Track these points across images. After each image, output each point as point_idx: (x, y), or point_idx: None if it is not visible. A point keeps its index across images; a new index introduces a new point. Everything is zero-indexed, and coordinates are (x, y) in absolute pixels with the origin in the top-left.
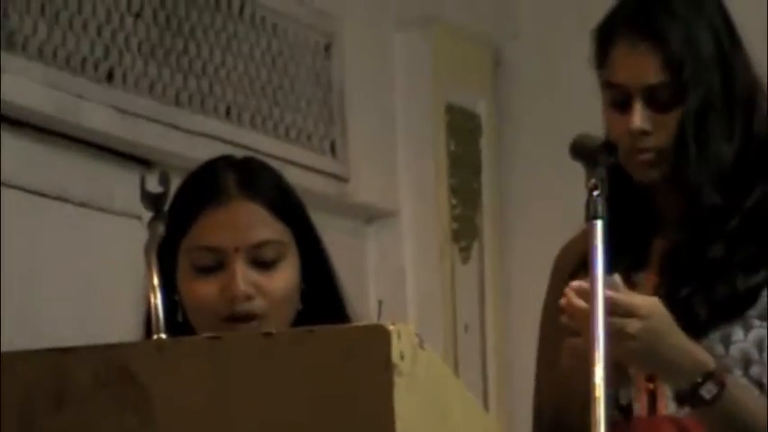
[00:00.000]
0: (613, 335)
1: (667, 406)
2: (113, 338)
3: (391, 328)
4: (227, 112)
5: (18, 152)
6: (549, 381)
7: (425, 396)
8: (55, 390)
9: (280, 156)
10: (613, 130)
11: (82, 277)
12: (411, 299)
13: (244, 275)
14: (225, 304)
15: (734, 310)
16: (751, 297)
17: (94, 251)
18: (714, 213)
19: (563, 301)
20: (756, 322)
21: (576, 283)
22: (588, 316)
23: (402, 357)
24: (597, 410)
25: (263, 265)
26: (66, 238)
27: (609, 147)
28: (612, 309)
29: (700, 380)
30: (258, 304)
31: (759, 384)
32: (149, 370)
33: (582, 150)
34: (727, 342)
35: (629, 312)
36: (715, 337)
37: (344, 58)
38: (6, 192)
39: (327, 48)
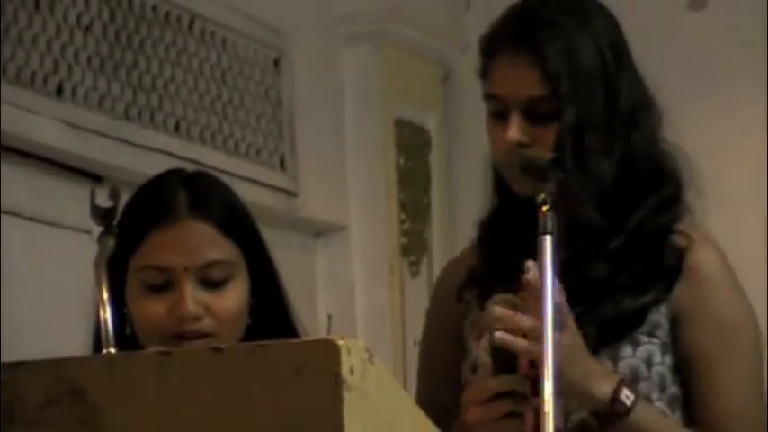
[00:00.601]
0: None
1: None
2: (63, 353)
3: (341, 342)
4: (177, 127)
5: None
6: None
7: (375, 411)
8: (5, 405)
9: (229, 170)
10: (493, 142)
11: (31, 291)
12: (360, 313)
13: (193, 296)
14: (174, 324)
15: (622, 329)
16: (638, 317)
17: (44, 265)
18: (595, 232)
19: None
20: (644, 338)
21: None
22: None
23: (351, 372)
24: (547, 426)
25: (212, 284)
26: (15, 253)
27: (558, 162)
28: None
29: (616, 386)
30: (207, 324)
31: (647, 400)
32: (99, 386)
33: (531, 166)
34: (615, 358)
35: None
36: (604, 353)
37: (294, 73)
38: None
39: (277, 63)
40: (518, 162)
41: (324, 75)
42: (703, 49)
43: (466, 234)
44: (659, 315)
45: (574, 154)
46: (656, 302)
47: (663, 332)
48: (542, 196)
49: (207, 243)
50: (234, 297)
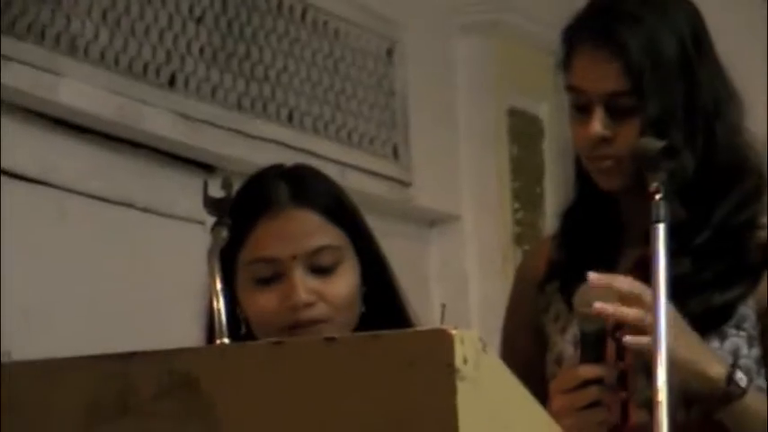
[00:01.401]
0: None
1: (637, 414)
2: (176, 344)
3: (454, 332)
4: (290, 117)
5: (82, 158)
6: None
7: (489, 401)
8: (118, 396)
9: (342, 160)
10: (575, 135)
11: (146, 282)
12: (474, 303)
13: (303, 283)
14: (287, 314)
15: (710, 324)
16: (726, 312)
17: (158, 256)
18: (679, 227)
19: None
20: (732, 331)
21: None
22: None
23: (465, 362)
24: (660, 414)
25: (321, 270)
26: (129, 244)
27: (670, 151)
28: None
29: (730, 368)
30: (320, 310)
31: None
32: (212, 376)
33: (643, 155)
34: None
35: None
36: None
37: (406, 63)
38: (70, 198)
39: (389, 52)
40: (630, 151)
41: (436, 64)
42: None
43: None
44: (746, 308)
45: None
46: (743, 297)
47: (750, 324)
48: (655, 185)
49: (311, 230)
50: (345, 282)
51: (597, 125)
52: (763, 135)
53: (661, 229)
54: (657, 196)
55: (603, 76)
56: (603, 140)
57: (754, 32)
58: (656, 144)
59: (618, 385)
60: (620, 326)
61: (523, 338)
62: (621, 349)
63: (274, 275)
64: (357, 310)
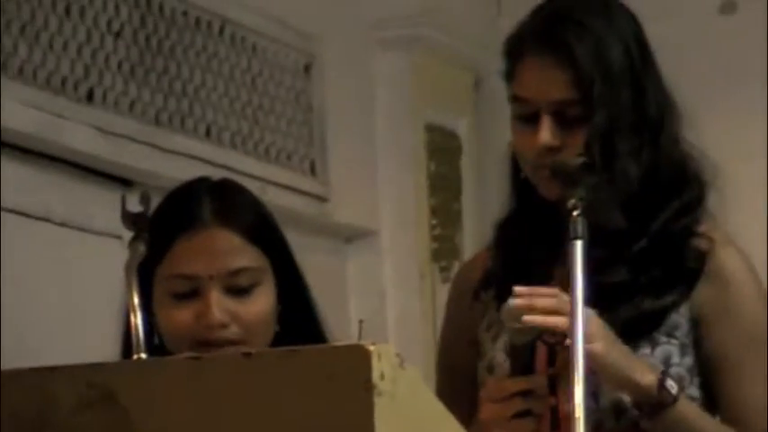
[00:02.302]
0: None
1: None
2: (94, 358)
3: (372, 347)
4: (208, 132)
5: None
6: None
7: (406, 416)
8: (38, 410)
9: (260, 176)
10: (520, 145)
11: (62, 296)
12: (391, 318)
13: (219, 303)
14: (200, 331)
15: (641, 330)
16: (657, 318)
17: (75, 270)
18: (617, 235)
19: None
20: (663, 339)
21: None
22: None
23: (382, 377)
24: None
25: (238, 292)
26: (47, 258)
27: (588, 167)
28: (563, 310)
29: (660, 375)
30: (234, 331)
31: None
32: (130, 390)
33: (562, 170)
34: None
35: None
36: None
37: (325, 79)
38: None
39: (308, 68)
40: (549, 167)
41: (355, 80)
42: (732, 53)
43: None
44: (678, 316)
45: (603, 157)
46: (676, 304)
47: (682, 333)
48: (573, 201)
49: (232, 250)
50: (260, 304)
51: (546, 134)
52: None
53: (579, 245)
54: (575, 213)
55: (551, 84)
56: (551, 149)
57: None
58: (575, 160)
59: (548, 391)
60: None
61: (462, 348)
62: (552, 354)
63: (191, 292)
64: (271, 331)
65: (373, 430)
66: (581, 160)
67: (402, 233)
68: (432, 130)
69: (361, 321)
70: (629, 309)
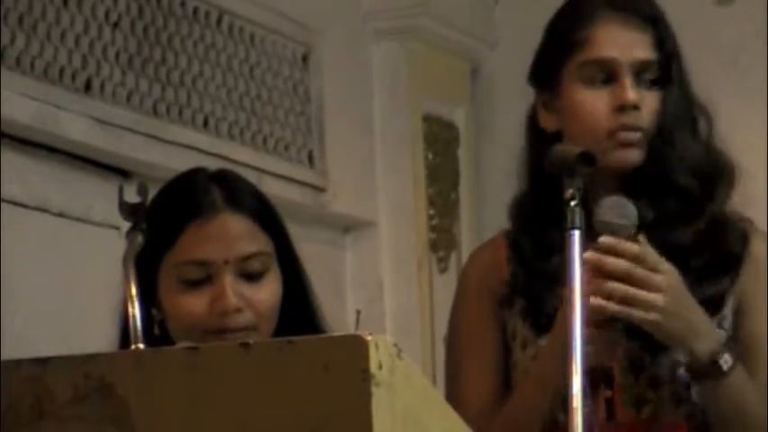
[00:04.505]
0: (632, 297)
1: (625, 413)
2: (91, 349)
3: (369, 338)
4: (205, 123)
5: None
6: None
7: (403, 406)
8: (34, 400)
9: (257, 166)
10: (591, 110)
11: (60, 287)
12: (389, 309)
13: (233, 288)
14: (215, 318)
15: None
16: (717, 303)
17: (73, 261)
18: (687, 197)
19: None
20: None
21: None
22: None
23: (380, 367)
24: (575, 421)
25: (250, 277)
26: (44, 249)
27: (586, 157)
28: (641, 260)
29: (718, 348)
30: (248, 317)
31: None
32: (128, 381)
33: (559, 160)
34: None
35: (653, 267)
36: None
37: (322, 69)
38: None
39: (305, 58)
40: (547, 155)
41: (352, 70)
42: (729, 41)
43: (494, 229)
44: (727, 309)
45: (678, 121)
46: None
47: (728, 325)
48: (570, 191)
49: (244, 235)
50: (271, 289)
51: (632, 92)
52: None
53: (576, 235)
54: (573, 202)
55: (635, 44)
56: (634, 108)
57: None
58: (573, 150)
59: (604, 384)
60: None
61: (493, 334)
62: (607, 346)
63: (204, 278)
64: (276, 320)
65: (371, 420)
66: (579, 149)
67: (400, 223)
68: (429, 119)
69: (358, 312)
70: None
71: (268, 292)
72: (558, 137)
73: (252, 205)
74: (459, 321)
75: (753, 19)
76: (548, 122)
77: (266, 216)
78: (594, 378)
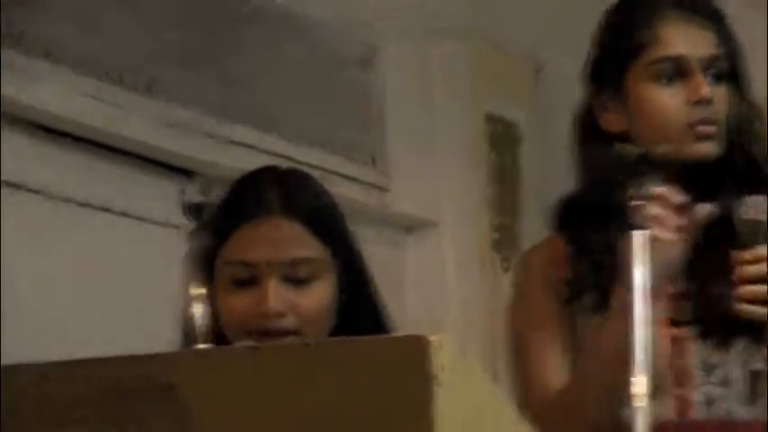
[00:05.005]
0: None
1: (697, 411)
2: (152, 348)
3: (432, 338)
4: (268, 123)
5: (60, 163)
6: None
7: (466, 407)
8: (96, 400)
9: (320, 166)
10: (666, 104)
11: (123, 286)
12: (452, 309)
13: (276, 292)
14: (257, 320)
15: None
16: None
17: (135, 260)
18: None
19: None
20: None
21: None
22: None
23: (442, 368)
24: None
25: (296, 282)
26: (107, 248)
27: (648, 158)
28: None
29: None
30: (290, 321)
31: None
32: (189, 381)
33: (622, 161)
34: None
35: None
36: None
37: (385, 69)
38: (49, 202)
39: (368, 58)
40: (608, 156)
41: (414, 70)
42: None
43: None
44: None
45: (746, 115)
46: None
47: None
48: (632, 191)
49: (293, 240)
50: (318, 296)
51: (706, 87)
52: None
53: (637, 235)
54: (635, 203)
55: (703, 41)
56: (708, 102)
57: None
58: (635, 151)
59: (677, 382)
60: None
61: (562, 329)
62: (679, 346)
63: (250, 279)
64: (328, 322)
65: (433, 421)
66: (641, 151)
67: (462, 223)
68: (491, 120)
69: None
70: None
71: (314, 298)
72: (616, 137)
73: (307, 210)
74: (526, 314)
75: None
76: (610, 123)
77: (322, 221)
78: (667, 377)
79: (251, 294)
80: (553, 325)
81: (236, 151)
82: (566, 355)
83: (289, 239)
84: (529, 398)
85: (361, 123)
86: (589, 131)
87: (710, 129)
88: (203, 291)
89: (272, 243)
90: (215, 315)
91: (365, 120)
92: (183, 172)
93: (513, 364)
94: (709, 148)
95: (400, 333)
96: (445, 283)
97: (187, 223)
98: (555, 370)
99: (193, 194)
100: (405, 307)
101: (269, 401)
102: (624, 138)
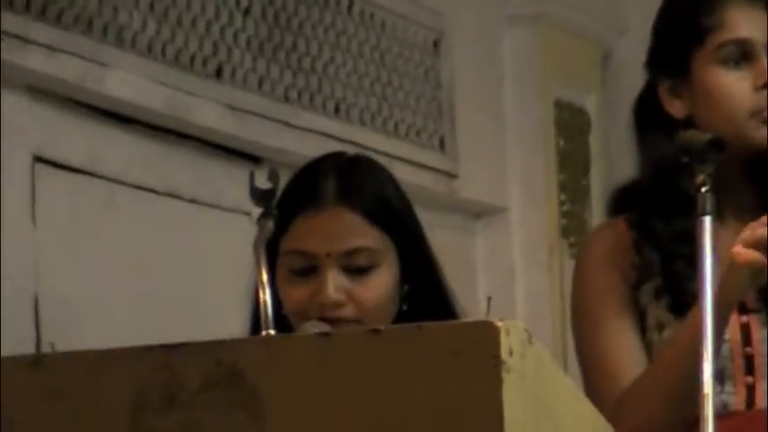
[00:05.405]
0: None
1: (764, 399)
2: (221, 335)
3: (500, 324)
4: (336, 109)
5: (128, 149)
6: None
7: (534, 392)
8: (164, 388)
9: (388, 152)
10: (730, 89)
11: (191, 273)
12: (520, 295)
13: (334, 282)
14: (315, 309)
15: None
16: None
17: (204, 247)
18: None
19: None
20: None
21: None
22: None
23: (511, 354)
24: (706, 408)
25: (355, 271)
26: (175, 234)
27: (716, 143)
28: None
29: None
30: (349, 311)
31: None
32: (258, 368)
33: (689, 147)
34: None
35: None
36: None
37: (454, 55)
38: (117, 188)
39: (436, 44)
40: (677, 143)
41: (483, 56)
42: None
43: None
44: None
45: None
46: None
47: None
48: (701, 177)
49: (351, 230)
50: (377, 285)
51: None
52: None
53: (707, 221)
54: (704, 189)
55: (764, 24)
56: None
57: None
58: (702, 136)
59: (745, 370)
60: (745, 308)
61: (630, 320)
62: (747, 334)
63: (308, 269)
64: (390, 311)
65: (501, 407)
66: (709, 136)
67: (531, 209)
68: (560, 106)
69: (489, 298)
70: None
71: (373, 287)
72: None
73: (366, 199)
74: (595, 296)
75: None
76: (676, 109)
77: (382, 210)
78: (736, 365)
79: (310, 284)
80: (623, 305)
81: (304, 137)
82: (638, 335)
83: (346, 229)
84: (602, 380)
85: (431, 109)
86: (653, 118)
87: None
88: (269, 277)
89: (329, 233)
90: (279, 303)
91: (434, 106)
92: (251, 158)
93: (581, 345)
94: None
95: (469, 319)
96: (513, 269)
97: (257, 210)
98: (630, 349)
99: (262, 181)
100: (474, 293)
101: (338, 388)
102: (689, 124)
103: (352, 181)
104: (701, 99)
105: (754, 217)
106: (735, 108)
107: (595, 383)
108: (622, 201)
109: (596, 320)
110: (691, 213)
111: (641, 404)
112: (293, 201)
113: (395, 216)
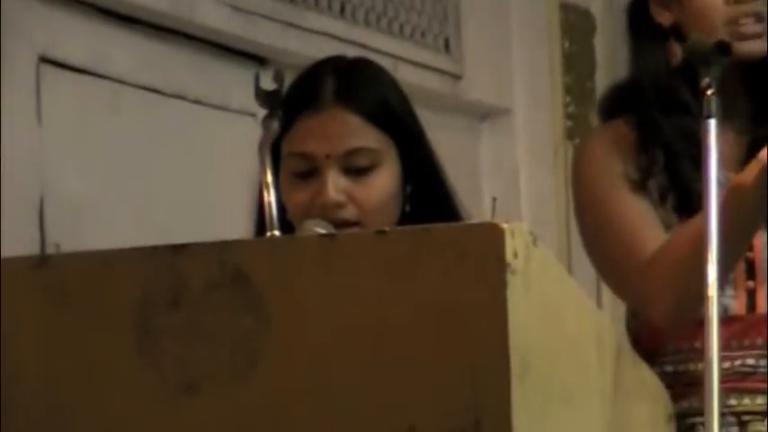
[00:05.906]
0: None
1: (765, 304)
2: (226, 235)
3: (505, 225)
4: (342, 10)
5: (133, 50)
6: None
7: (538, 294)
8: (169, 289)
9: (393, 53)
10: (705, 2)
11: (196, 174)
12: (524, 197)
13: (334, 183)
14: (316, 211)
15: None
16: None
17: (209, 148)
18: None
19: None
20: None
21: None
22: None
23: (515, 255)
24: (711, 310)
25: (355, 172)
26: (181, 136)
27: (722, 47)
28: None
29: None
30: (350, 212)
31: None
32: (263, 269)
33: (695, 51)
34: None
35: None
36: None
37: None
38: (122, 89)
39: None
40: (682, 47)
41: None
42: None
43: None
44: None
45: None
46: None
47: None
48: (706, 80)
49: (350, 131)
50: (379, 185)
51: None
52: None
53: (713, 124)
54: (709, 92)
55: None
56: None
57: None
58: (709, 40)
59: (746, 275)
60: None
61: (643, 199)
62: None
63: (309, 171)
64: (393, 211)
65: (506, 308)
66: (714, 40)
67: (536, 111)
68: (566, 7)
69: (494, 199)
70: None
71: (373, 188)
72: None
73: (364, 100)
74: (603, 180)
75: None
76: (662, 17)
77: (381, 111)
78: (737, 270)
79: (311, 186)
80: (636, 189)
81: (310, 38)
82: (651, 207)
83: (345, 130)
84: (627, 256)
85: (436, 10)
86: (642, 25)
87: (757, 26)
88: (275, 179)
89: (329, 134)
90: (283, 209)
91: (440, 7)
92: (256, 59)
93: (597, 227)
94: (754, 46)
95: (474, 221)
96: (518, 171)
97: (262, 111)
98: (653, 222)
99: (267, 82)
100: (479, 194)
101: (342, 289)
102: (675, 31)
103: (351, 82)
104: (684, 7)
105: (750, 125)
106: (711, 17)
107: (618, 260)
108: (618, 102)
109: (612, 200)
110: (689, 116)
111: (675, 257)
112: (293, 103)
113: (394, 116)
